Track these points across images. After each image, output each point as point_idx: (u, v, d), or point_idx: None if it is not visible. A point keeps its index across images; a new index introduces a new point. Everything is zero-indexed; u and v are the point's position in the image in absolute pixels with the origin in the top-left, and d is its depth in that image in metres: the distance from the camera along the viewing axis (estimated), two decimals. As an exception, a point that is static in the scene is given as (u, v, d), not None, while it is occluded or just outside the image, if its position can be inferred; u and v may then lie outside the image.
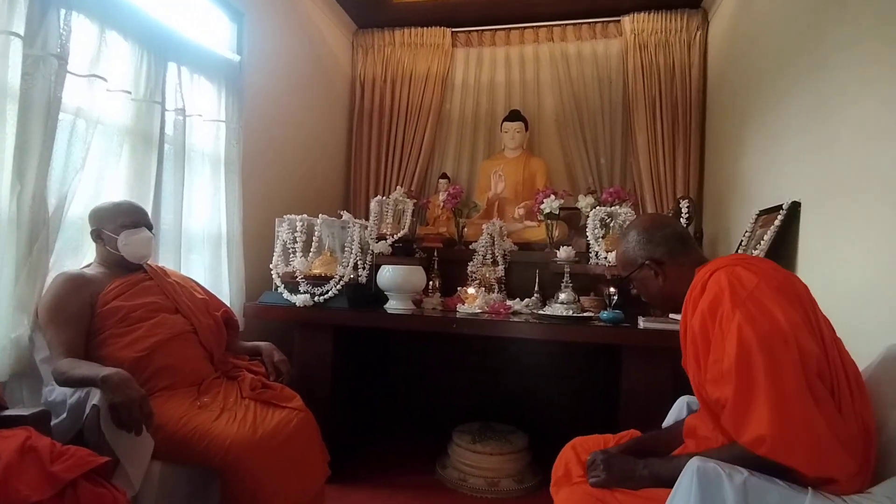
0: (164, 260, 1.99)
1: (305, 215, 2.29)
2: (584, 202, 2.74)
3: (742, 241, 2.16)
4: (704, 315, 1.01)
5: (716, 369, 0.98)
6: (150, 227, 1.70)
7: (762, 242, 1.89)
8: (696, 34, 3.04)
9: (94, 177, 1.74)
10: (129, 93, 1.85)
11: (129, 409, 1.27)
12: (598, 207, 2.51)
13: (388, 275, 2.31)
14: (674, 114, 3.02)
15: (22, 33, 1.48)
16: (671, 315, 2.03)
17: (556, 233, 2.74)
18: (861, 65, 1.53)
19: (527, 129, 3.22)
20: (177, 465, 1.41)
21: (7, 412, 1.16)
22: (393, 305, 2.31)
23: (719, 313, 0.99)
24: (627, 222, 2.46)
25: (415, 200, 2.94)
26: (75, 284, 1.53)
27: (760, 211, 2.09)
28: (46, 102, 1.52)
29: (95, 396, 1.29)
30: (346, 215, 2.36)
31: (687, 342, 1.11)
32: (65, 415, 1.34)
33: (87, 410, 1.29)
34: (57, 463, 0.97)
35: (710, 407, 1.05)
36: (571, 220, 2.90)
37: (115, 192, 1.82)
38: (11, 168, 1.46)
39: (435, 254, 2.67)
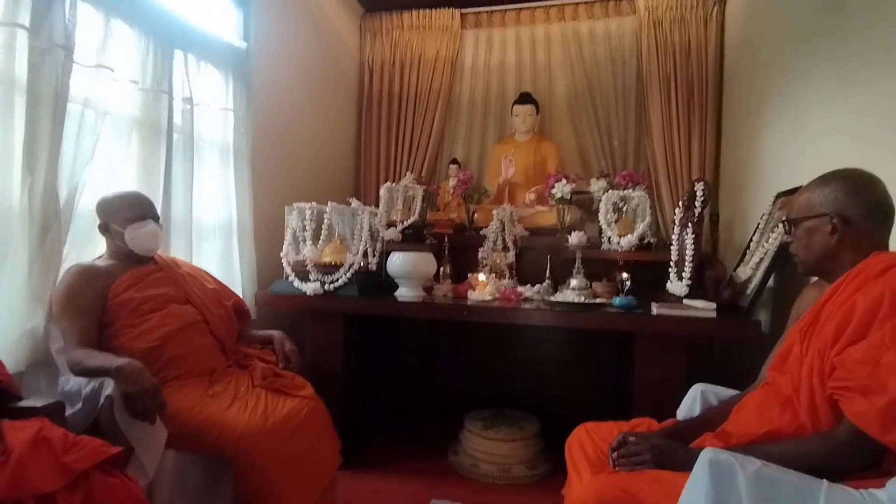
0: (175, 250, 2.01)
1: (315, 203, 2.28)
2: (596, 186, 2.71)
3: (759, 224, 2.11)
4: (885, 296, 0.94)
5: (875, 353, 0.91)
6: (156, 219, 1.70)
7: (780, 226, 1.84)
8: (712, 10, 2.94)
9: (103, 167, 1.74)
10: (136, 82, 1.85)
11: (143, 399, 1.29)
12: (610, 191, 2.49)
13: (398, 262, 2.30)
14: (689, 94, 2.95)
15: (27, 25, 1.46)
16: (686, 301, 2.00)
17: (567, 218, 2.71)
18: (886, 36, 1.46)
19: (538, 112, 3.17)
20: (190, 453, 1.43)
21: (21, 403, 1.18)
22: (403, 293, 2.31)
23: None
24: (641, 202, 2.42)
25: (425, 187, 2.94)
26: (87, 276, 1.54)
27: (779, 193, 2.04)
28: (54, 94, 1.52)
29: (109, 387, 1.31)
30: (355, 202, 2.35)
31: (827, 314, 1.04)
32: (80, 404, 1.36)
33: (102, 400, 1.31)
34: (70, 454, 0.99)
35: (804, 389, 1.01)
36: (584, 204, 2.87)
37: (126, 182, 1.83)
38: (21, 160, 1.46)
39: (445, 240, 2.65)
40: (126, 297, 1.56)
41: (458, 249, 2.69)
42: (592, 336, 2.63)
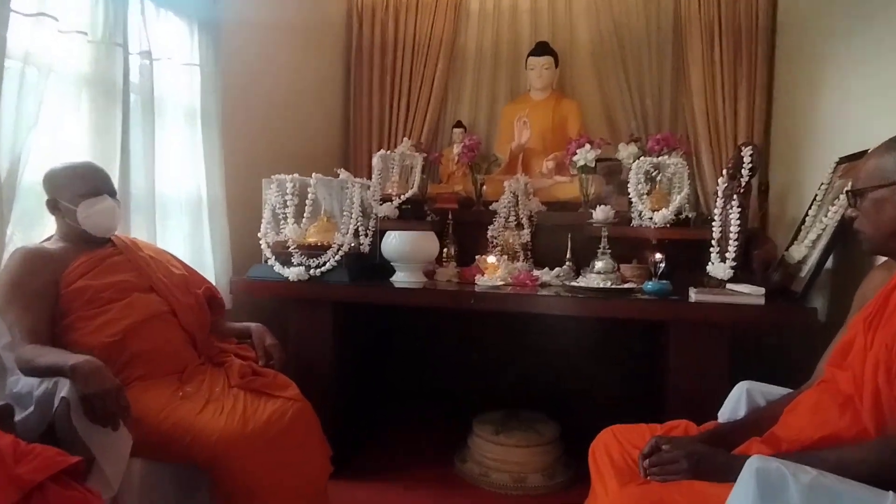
0: (136, 230, 2.01)
1: (297, 175, 2.27)
2: (625, 152, 2.70)
3: (817, 195, 2.09)
4: None
5: None
6: (113, 194, 1.70)
7: (842, 197, 1.82)
8: (765, -59, 2.88)
9: (50, 134, 1.74)
10: (86, 34, 1.83)
11: (103, 402, 1.29)
12: (642, 158, 2.46)
13: (394, 242, 2.30)
14: (736, 42, 2.89)
15: (-46, -33, 1.45)
16: (730, 285, 1.99)
17: (591, 189, 2.69)
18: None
19: (557, 66, 3.13)
20: (160, 462, 1.45)
21: (-37, 407, 1.19)
22: (401, 278, 2.31)
23: None
24: (678, 171, 2.41)
25: (425, 154, 2.91)
26: (36, 261, 1.55)
27: (841, 158, 2.01)
28: (-11, 48, 1.51)
29: (65, 388, 1.32)
30: (343, 174, 2.34)
31: None
32: (32, 408, 1.36)
33: (57, 403, 1.31)
34: (22, 464, 0.99)
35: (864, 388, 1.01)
36: (610, 173, 2.86)
37: (76, 151, 1.82)
38: (-46, 128, 1.46)
39: (449, 217, 2.65)
40: (81, 285, 1.56)
41: (463, 227, 2.67)
42: (620, 327, 2.59)
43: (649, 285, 2.05)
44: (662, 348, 2.11)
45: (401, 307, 2.46)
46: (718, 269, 2.06)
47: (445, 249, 2.53)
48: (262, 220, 2.29)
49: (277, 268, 2.23)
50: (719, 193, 2.12)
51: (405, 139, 3.04)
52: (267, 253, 2.26)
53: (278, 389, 1.68)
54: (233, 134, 2.46)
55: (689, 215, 2.43)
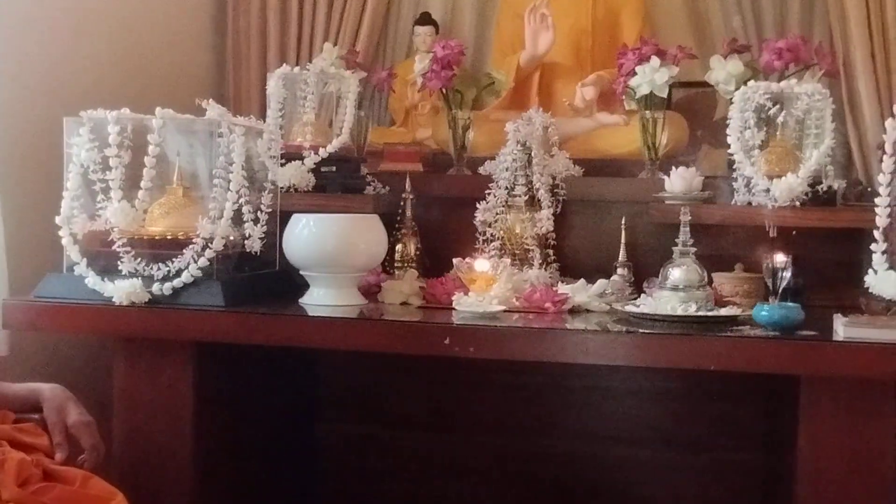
0: None
1: (128, 110, 2.24)
2: (722, 72, 2.69)
3: None
4: None
5: None
6: None
7: None
8: None
9: None
10: None
11: None
12: (752, 83, 2.47)
13: (306, 235, 2.29)
14: None
15: None
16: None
17: (663, 139, 2.71)
18: None
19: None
20: None
21: None
22: (319, 298, 2.29)
23: None
24: (815, 107, 2.45)
25: (363, 74, 2.93)
26: None
27: None
28: None
29: None
30: (213, 109, 2.31)
31: None
32: None
33: None
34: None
35: None
36: (697, 109, 2.89)
37: None
38: None
39: (407, 187, 2.68)
40: None
41: (433, 206, 2.77)
42: (712, 386, 2.65)
43: (764, 311, 2.02)
44: (785, 425, 2.14)
45: (321, 354, 2.43)
46: (887, 281, 2.06)
47: (400, 247, 2.60)
48: (64, 193, 2.25)
49: (92, 280, 2.19)
50: (889, 148, 2.12)
51: (327, 45, 3.07)
52: (73, 253, 2.23)
53: (88, 505, 1.65)
54: (12, 36, 2.51)
55: (835, 185, 2.44)
